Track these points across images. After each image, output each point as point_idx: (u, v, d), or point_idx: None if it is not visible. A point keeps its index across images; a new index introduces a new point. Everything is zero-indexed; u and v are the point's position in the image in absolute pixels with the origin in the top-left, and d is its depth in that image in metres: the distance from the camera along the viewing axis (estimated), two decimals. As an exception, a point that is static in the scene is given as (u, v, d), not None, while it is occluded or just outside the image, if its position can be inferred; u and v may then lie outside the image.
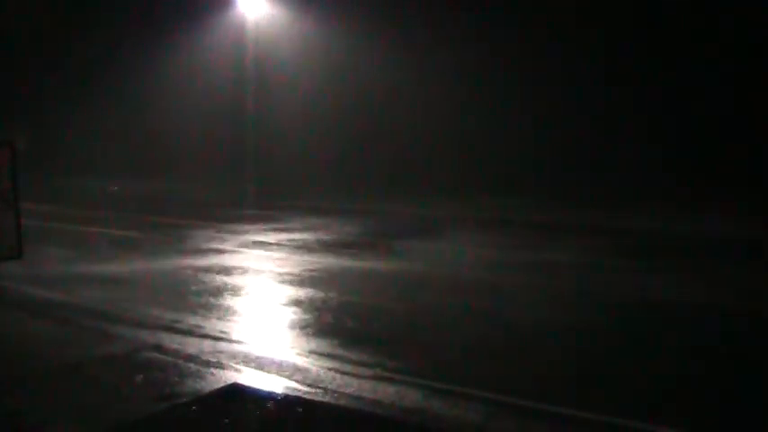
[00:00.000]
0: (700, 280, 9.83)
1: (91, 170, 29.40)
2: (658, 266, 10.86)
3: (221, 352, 6.33)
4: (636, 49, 19.98)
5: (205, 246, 12.33)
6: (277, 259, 11.04)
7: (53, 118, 32.59)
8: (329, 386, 5.51)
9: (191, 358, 6.10)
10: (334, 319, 7.49)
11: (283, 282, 9.35)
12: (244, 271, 10.07)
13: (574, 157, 20.72)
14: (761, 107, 17.95)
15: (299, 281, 9.39)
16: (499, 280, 9.75)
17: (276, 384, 5.53)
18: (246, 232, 14.27)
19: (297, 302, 8.22)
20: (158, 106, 29.32)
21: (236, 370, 5.86)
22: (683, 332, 7.22)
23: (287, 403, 5.05)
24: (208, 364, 5.97)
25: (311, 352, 6.38)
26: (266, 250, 11.97)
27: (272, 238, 13.53)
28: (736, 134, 18.61)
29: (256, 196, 21.64)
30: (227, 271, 10.03)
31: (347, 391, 5.42)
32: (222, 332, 6.99)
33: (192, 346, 6.49)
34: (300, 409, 4.93)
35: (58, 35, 31.12)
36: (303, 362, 6.10)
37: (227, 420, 4.74)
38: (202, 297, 8.43)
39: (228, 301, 8.31)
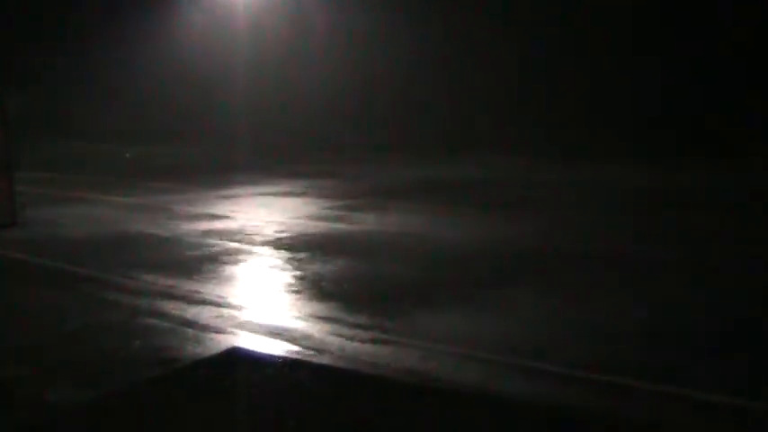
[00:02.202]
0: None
1: (93, 135, 29.04)
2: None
3: (220, 317, 6.34)
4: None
5: (203, 210, 12.29)
6: (275, 223, 11.01)
7: (49, 83, 32.22)
8: (328, 349, 5.52)
9: (189, 323, 6.11)
10: (331, 282, 7.49)
11: (281, 246, 9.33)
12: (241, 235, 10.05)
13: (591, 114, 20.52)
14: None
15: (296, 245, 9.37)
16: (511, 240, 9.73)
17: (275, 348, 5.54)
18: (244, 196, 14.21)
19: (294, 266, 8.21)
20: (154, 71, 29.00)
21: (235, 334, 5.87)
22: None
23: (286, 366, 5.06)
24: (206, 328, 5.98)
25: (309, 315, 6.38)
26: (264, 214, 11.93)
27: (270, 202, 13.48)
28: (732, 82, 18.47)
29: (255, 161, 21.53)
30: (224, 235, 10.00)
31: (346, 353, 5.43)
32: (220, 297, 6.99)
33: (190, 311, 6.50)
34: (299, 372, 4.95)
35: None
36: (302, 325, 6.11)
37: (227, 384, 4.75)
38: (200, 262, 8.42)
39: (226, 265, 8.30)
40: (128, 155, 23.67)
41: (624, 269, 7.90)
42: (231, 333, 5.90)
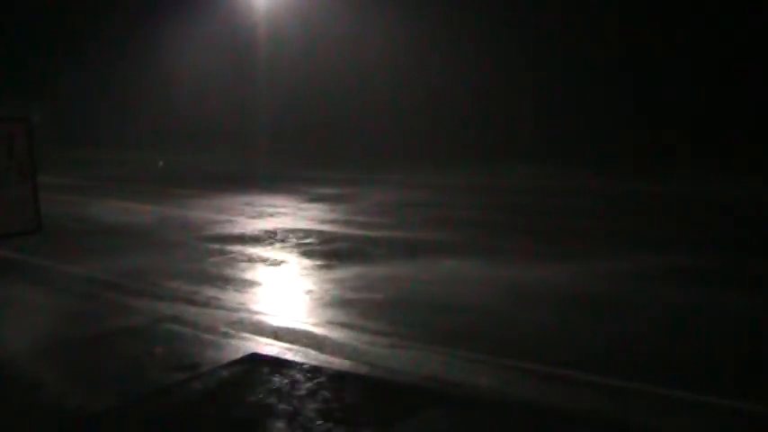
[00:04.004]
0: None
1: (120, 143, 29.26)
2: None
3: (239, 323, 6.36)
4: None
5: (225, 217, 12.36)
6: (296, 230, 11.04)
7: (70, 92, 32.58)
8: (347, 355, 5.51)
9: (209, 329, 6.14)
10: (350, 289, 7.48)
11: (300, 253, 9.36)
12: (261, 242, 10.08)
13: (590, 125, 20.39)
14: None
15: (316, 252, 9.39)
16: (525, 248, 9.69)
17: (294, 354, 5.54)
18: (266, 203, 14.27)
19: (314, 273, 8.23)
20: (175, 79, 29.24)
21: (255, 341, 5.88)
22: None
23: (305, 372, 5.06)
24: (226, 334, 6.01)
25: (329, 322, 6.39)
26: (286, 221, 11.96)
27: (292, 209, 13.52)
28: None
29: (280, 169, 21.62)
30: (245, 242, 10.05)
31: (365, 359, 5.42)
32: (240, 303, 7.02)
33: (210, 317, 6.53)
34: (319, 378, 4.94)
35: (74, 7, 31.05)
36: (321, 331, 6.12)
37: (246, 390, 4.76)
38: (220, 269, 8.46)
39: (246, 272, 8.33)
40: (161, 163, 23.79)
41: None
42: (251, 339, 5.91)
